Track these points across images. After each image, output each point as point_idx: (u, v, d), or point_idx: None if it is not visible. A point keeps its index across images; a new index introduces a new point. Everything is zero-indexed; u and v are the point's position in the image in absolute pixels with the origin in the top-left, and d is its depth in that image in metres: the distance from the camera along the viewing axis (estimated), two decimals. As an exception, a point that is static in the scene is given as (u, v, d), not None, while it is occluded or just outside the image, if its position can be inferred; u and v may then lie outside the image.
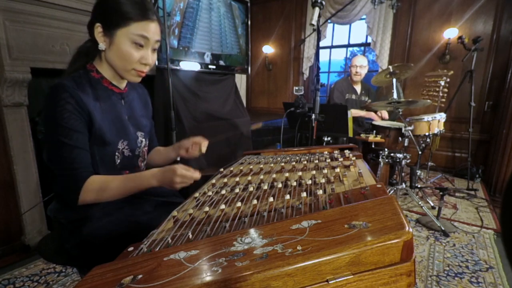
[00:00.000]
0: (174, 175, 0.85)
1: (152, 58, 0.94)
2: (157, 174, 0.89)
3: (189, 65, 2.36)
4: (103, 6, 0.90)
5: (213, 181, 1.00)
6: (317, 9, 1.58)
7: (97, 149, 0.93)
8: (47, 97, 0.86)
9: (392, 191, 2.55)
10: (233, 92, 3.00)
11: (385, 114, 3.02)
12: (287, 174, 0.95)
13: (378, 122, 2.81)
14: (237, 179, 0.96)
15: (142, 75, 0.96)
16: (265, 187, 0.86)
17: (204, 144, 1.14)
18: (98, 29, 0.89)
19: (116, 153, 0.97)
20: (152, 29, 0.90)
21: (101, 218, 0.93)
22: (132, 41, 0.88)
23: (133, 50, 0.89)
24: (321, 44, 3.60)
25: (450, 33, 3.45)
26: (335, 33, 4.77)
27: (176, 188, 0.88)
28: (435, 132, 2.52)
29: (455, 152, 3.76)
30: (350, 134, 2.44)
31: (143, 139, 1.08)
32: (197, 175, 0.89)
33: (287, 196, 0.76)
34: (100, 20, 0.89)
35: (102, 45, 0.90)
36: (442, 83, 3.24)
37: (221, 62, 2.72)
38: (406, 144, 2.39)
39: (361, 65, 3.01)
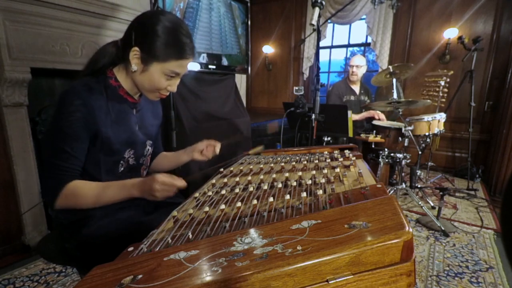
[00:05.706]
0: (154, 182, 0.81)
1: (176, 85, 0.98)
2: (138, 183, 0.86)
3: (189, 65, 2.37)
4: (147, 35, 0.87)
5: (213, 181, 1.01)
6: (317, 9, 1.58)
7: (103, 157, 0.92)
8: (60, 99, 0.85)
9: (392, 191, 2.55)
10: (233, 92, 3.00)
11: (382, 116, 2.97)
12: (287, 174, 0.95)
13: (378, 122, 2.81)
14: (237, 179, 0.96)
15: (163, 97, 0.99)
16: (265, 187, 0.86)
17: (218, 146, 1.17)
18: (135, 53, 0.88)
19: (121, 162, 0.98)
20: (185, 66, 0.94)
21: (101, 218, 0.93)
22: (165, 74, 0.91)
23: (163, 80, 0.92)
24: (321, 44, 3.59)
25: (450, 33, 3.45)
26: (335, 33, 4.78)
27: (157, 198, 0.83)
28: (435, 132, 2.52)
29: (455, 152, 3.76)
30: (350, 134, 2.44)
31: (149, 148, 1.10)
32: (180, 183, 0.84)
33: (287, 196, 0.76)
34: (139, 46, 0.88)
35: (134, 67, 0.90)
36: (442, 83, 3.24)
37: (221, 62, 2.72)
38: (406, 144, 2.39)
39: (357, 65, 3.00)
